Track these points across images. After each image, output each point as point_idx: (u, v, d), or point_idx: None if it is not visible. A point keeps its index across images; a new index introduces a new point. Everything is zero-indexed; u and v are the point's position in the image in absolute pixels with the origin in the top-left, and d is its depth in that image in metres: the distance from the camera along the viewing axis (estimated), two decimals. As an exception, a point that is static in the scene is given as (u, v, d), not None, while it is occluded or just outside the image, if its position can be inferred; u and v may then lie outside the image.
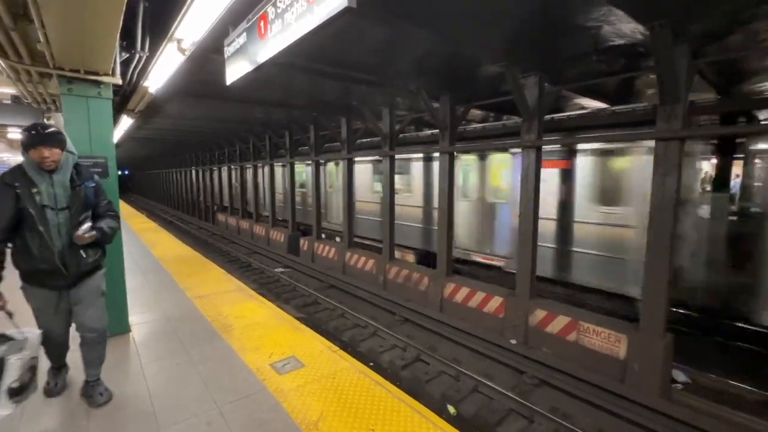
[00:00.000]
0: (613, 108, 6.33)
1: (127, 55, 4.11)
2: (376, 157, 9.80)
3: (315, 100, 8.21)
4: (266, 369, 3.26)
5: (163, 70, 4.63)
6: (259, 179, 15.34)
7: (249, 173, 15.68)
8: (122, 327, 3.94)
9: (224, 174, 18.54)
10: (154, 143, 17.98)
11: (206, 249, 14.20)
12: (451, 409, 4.56)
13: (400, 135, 8.54)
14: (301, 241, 11.55)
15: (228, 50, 3.58)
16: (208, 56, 4.71)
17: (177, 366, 3.32)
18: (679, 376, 5.08)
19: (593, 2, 3.48)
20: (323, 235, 11.50)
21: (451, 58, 5.20)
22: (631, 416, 4.20)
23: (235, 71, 3.60)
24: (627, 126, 5.82)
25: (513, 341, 5.68)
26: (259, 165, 14.78)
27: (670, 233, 4.34)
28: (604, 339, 4.82)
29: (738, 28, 3.96)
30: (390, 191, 8.22)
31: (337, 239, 11.40)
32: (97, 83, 3.55)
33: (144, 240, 9.64)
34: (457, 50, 4.88)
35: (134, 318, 4.34)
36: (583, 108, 7.47)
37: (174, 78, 5.15)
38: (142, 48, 4.00)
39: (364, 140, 10.95)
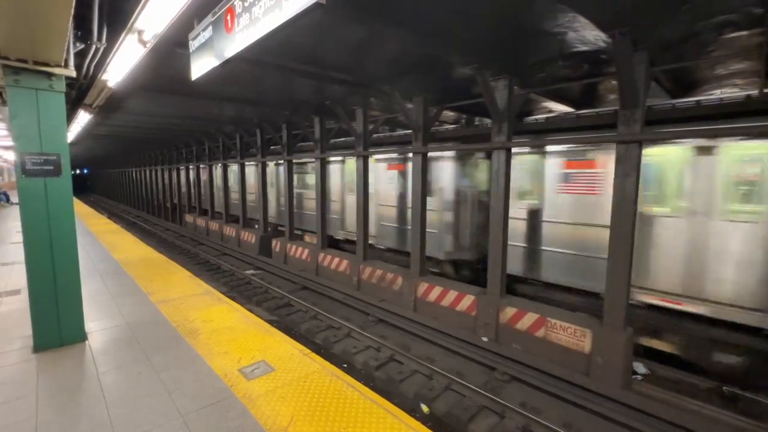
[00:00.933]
0: (578, 112, 6.60)
1: (83, 46, 3.86)
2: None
3: (287, 98, 8.05)
4: (234, 374, 3.15)
5: (123, 63, 4.39)
6: (230, 178, 14.91)
7: (218, 172, 15.19)
8: (77, 335, 3.70)
9: (192, 173, 17.88)
10: (117, 140, 17.08)
11: (173, 251, 13.63)
12: (425, 408, 4.59)
13: (374, 135, 8.52)
14: (273, 242, 11.31)
15: (193, 44, 3.44)
16: (173, 50, 4.51)
17: (138, 374, 3.15)
18: (639, 368, 5.35)
19: (558, 9, 3.60)
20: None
21: (424, 59, 5.24)
22: (595, 408, 4.37)
23: (200, 66, 3.46)
24: (591, 129, 6.07)
25: (485, 339, 5.79)
26: (230, 164, 14.36)
27: (631, 232, 4.56)
28: (570, 334, 4.99)
29: (690, 39, 4.21)
30: (364, 191, 8.19)
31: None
32: (48, 75, 3.31)
33: (104, 242, 9.13)
34: (430, 52, 4.93)
35: (91, 325, 4.09)
36: (550, 111, 7.74)
37: (135, 72, 4.90)
38: (99, 38, 3.76)
39: (338, 140, 10.86)
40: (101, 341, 3.78)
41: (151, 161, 22.85)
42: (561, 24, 3.97)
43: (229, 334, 3.96)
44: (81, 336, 3.74)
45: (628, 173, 4.52)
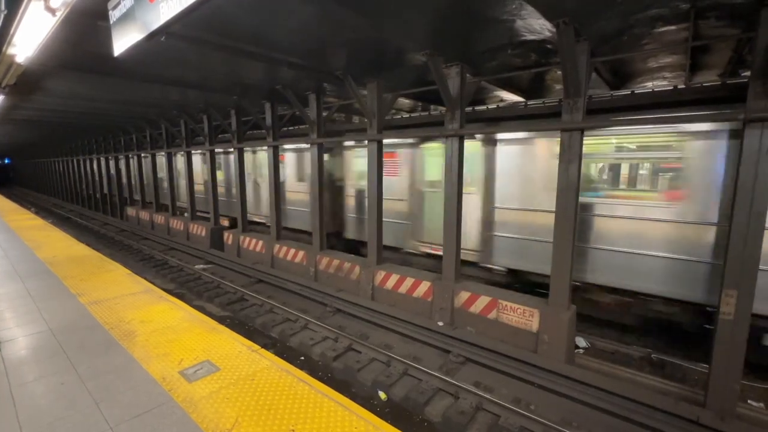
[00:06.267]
0: (528, 102, 6.81)
1: (-24, 12, 3.31)
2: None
3: (235, 82, 7.57)
4: (174, 377, 2.93)
5: (31, 35, 3.83)
6: (177, 168, 13.93)
7: (163, 161, 14.13)
8: (-14, 346, 3.26)
9: (133, 163, 16.51)
10: (43, 127, 15.25)
11: (112, 248, 12.59)
12: (382, 395, 4.60)
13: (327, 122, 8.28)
14: (225, 234, 10.78)
15: (113, 15, 3.07)
16: (94, 23, 4.02)
17: (61, 386, 2.83)
18: (581, 342, 5.72)
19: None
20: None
21: (377, 43, 5.11)
22: (542, 383, 4.61)
23: (123, 41, 3.10)
24: (538, 118, 6.30)
25: (440, 323, 5.90)
26: (174, 152, 13.41)
27: (574, 216, 4.79)
28: (519, 314, 5.21)
29: (626, 32, 4.43)
30: (319, 179, 7.98)
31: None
32: (-71, 44, 2.80)
33: (26, 240, 8.18)
34: (382, 35, 4.80)
35: (6, 333, 3.64)
36: (502, 100, 7.93)
37: (50, 46, 4.32)
38: (-4, 4, 3.24)
39: (292, 127, 10.47)
40: (18, 351, 3.36)
41: (86, 150, 20.79)
42: (509, 11, 4.00)
43: (171, 334, 3.68)
44: (-9, 346, 3.30)
45: (572, 160, 4.72)
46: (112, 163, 18.20)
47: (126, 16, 2.90)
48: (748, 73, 3.85)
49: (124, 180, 17.93)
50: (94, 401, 2.64)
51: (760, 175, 3.58)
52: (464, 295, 5.76)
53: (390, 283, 6.74)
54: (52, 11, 3.14)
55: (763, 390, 4.62)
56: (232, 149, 10.65)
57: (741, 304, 3.73)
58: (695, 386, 4.62)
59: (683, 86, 5.17)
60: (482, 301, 5.58)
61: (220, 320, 5.63)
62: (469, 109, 6.92)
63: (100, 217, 18.78)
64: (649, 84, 6.47)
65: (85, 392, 2.74)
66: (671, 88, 5.25)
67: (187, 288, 8.56)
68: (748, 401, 4.34)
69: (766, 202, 3.60)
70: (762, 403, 4.36)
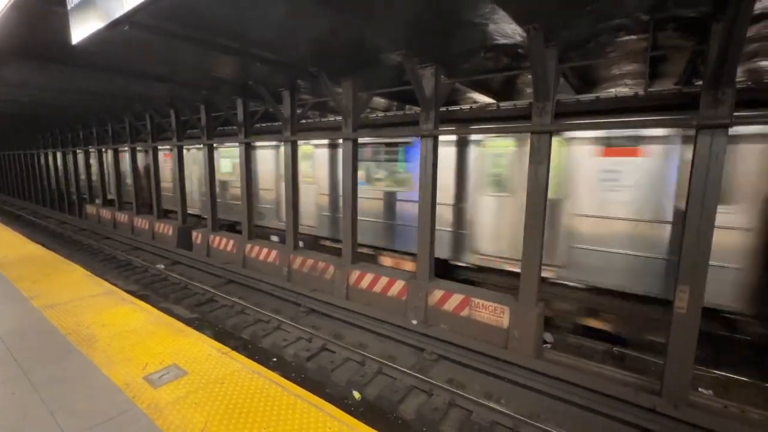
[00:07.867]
0: (500, 104, 6.98)
1: None
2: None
3: (205, 76, 7.30)
4: (138, 383, 2.80)
5: (-23, 18, 3.54)
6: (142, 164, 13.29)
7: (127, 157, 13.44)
8: (-77, 355, 2.99)
9: (93, 158, 15.61)
10: (-10, 117, 14.14)
11: (70, 248, 11.88)
12: (357, 395, 4.59)
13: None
14: (194, 234, 10.40)
15: (71, 0, 2.88)
16: (49, 9, 3.77)
17: (11, 396, 2.64)
18: (548, 337, 5.94)
19: (478, -1, 3.68)
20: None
21: (352, 41, 5.07)
22: (512, 377, 4.76)
23: (83, 29, 2.92)
24: (509, 120, 6.47)
25: (414, 321, 5.96)
26: (139, 148, 12.79)
27: (543, 216, 4.96)
28: (491, 312, 5.34)
29: (592, 39, 4.63)
30: (293, 178, 7.85)
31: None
32: None
33: (-28, 240, 7.57)
34: (358, 34, 4.78)
35: (-54, 341, 3.35)
36: (475, 102, 8.08)
37: (1, 32, 4.01)
38: (-64, -18, 2.97)
39: (264, 124, 10.24)
40: (-39, 360, 3.11)
41: (40, 144, 19.46)
42: (482, 15, 4.08)
43: (134, 337, 3.51)
44: (-71, 356, 3.03)
45: (541, 161, 4.88)
46: (70, 158, 17.12)
47: (85, 3, 2.73)
48: (701, 83, 4.11)
49: (83, 176, 16.93)
50: (49, 411, 2.48)
51: (710, 178, 3.84)
52: (438, 294, 5.84)
53: (364, 283, 6.73)
54: (1, -7, 2.92)
55: (711, 377, 4.97)
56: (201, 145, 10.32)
57: (693, 299, 3.99)
58: (653, 377, 4.89)
59: (643, 93, 5.45)
60: (455, 299, 5.67)
61: (188, 322, 5.44)
62: (443, 109, 7.00)
63: (56, 215, 17.65)
64: (613, 90, 6.79)
65: (38, 401, 2.57)
66: (632, 94, 5.53)
67: (152, 289, 8.20)
68: (699, 389, 4.65)
69: (715, 203, 3.87)
70: (711, 390, 4.68)
